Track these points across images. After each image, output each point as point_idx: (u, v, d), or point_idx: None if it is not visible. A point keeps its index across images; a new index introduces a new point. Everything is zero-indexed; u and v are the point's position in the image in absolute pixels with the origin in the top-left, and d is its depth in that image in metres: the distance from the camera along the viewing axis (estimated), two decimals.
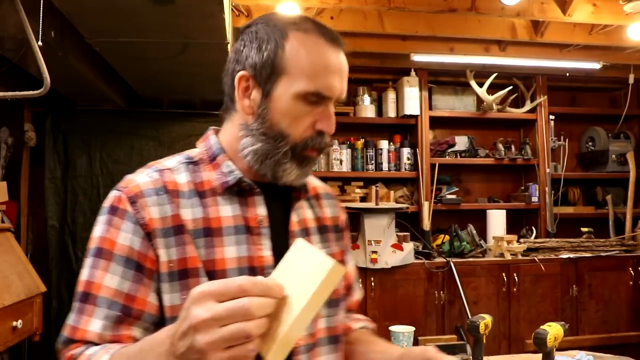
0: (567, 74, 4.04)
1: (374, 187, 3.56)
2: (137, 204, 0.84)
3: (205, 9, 1.97)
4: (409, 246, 3.41)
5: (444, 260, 3.48)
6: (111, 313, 0.81)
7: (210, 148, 0.94)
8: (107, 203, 0.87)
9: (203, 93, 3.39)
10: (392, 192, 3.77)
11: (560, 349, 1.66)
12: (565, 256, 3.59)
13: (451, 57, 3.72)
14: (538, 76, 4.05)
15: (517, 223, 4.10)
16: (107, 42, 2.33)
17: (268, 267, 0.87)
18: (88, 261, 0.84)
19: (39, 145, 3.33)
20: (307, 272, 0.64)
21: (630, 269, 3.67)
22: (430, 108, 3.93)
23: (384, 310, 3.32)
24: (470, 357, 1.74)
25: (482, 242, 3.68)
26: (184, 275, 0.83)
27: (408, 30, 3.38)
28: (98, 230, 0.86)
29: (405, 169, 3.89)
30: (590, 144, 4.26)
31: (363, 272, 3.30)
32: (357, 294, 1.12)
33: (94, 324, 0.81)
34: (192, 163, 0.92)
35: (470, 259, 3.55)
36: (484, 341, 1.61)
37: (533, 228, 3.92)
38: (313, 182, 1.06)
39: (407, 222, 3.70)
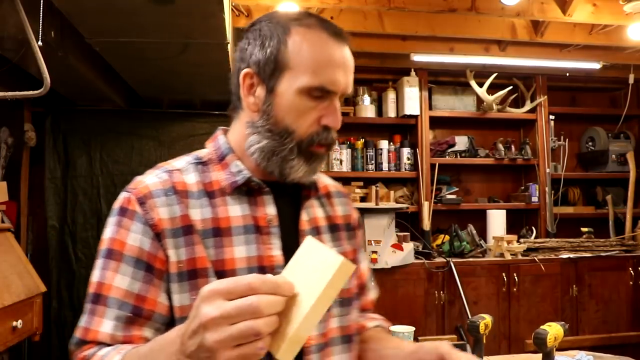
0: (567, 74, 4.04)
1: (374, 187, 3.56)
2: (146, 204, 0.84)
3: (206, 9, 1.97)
4: (409, 246, 3.41)
5: (444, 260, 3.48)
6: (122, 314, 0.81)
7: (219, 148, 0.94)
8: (116, 204, 0.87)
9: (203, 93, 3.39)
10: (392, 192, 3.77)
11: (560, 349, 1.66)
12: (565, 256, 3.59)
13: (451, 57, 3.72)
14: (538, 76, 4.05)
15: (517, 223, 4.10)
16: (107, 42, 2.33)
17: (278, 266, 0.86)
18: (98, 262, 0.85)
19: (39, 145, 3.33)
20: (316, 269, 0.64)
21: (630, 269, 3.67)
22: (430, 108, 3.93)
23: (383, 311, 3.27)
24: None
25: (482, 242, 3.68)
26: (193, 275, 0.83)
27: (408, 30, 3.38)
28: (108, 231, 0.86)
29: (405, 169, 3.89)
30: (590, 144, 4.26)
31: None
32: (372, 293, 1.11)
33: (106, 324, 0.81)
34: (201, 163, 0.92)
35: (470, 259, 3.55)
36: (484, 341, 1.61)
37: (533, 228, 3.93)
38: (324, 180, 1.06)
39: (407, 222, 3.70)
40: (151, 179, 0.88)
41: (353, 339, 0.97)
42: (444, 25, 3.36)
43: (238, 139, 0.92)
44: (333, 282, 0.63)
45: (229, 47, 2.41)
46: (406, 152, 3.88)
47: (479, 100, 3.98)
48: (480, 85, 3.86)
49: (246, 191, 0.90)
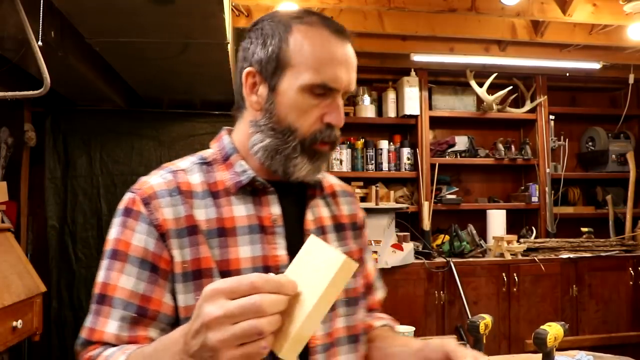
0: (567, 74, 4.04)
1: (374, 187, 3.56)
2: (151, 205, 0.85)
3: (206, 9, 1.97)
4: (409, 246, 3.41)
5: (444, 260, 3.48)
6: (127, 314, 0.81)
7: (223, 148, 0.94)
8: (121, 205, 0.87)
9: (203, 93, 3.39)
10: (392, 192, 3.77)
11: (560, 349, 1.66)
12: (565, 256, 3.59)
13: (451, 57, 3.72)
14: (538, 76, 4.05)
15: (517, 223, 4.10)
16: (107, 42, 2.33)
17: (283, 266, 0.86)
18: (104, 263, 0.85)
19: (39, 145, 3.33)
20: (319, 268, 0.64)
21: (630, 269, 3.67)
22: (430, 108, 3.93)
23: (383, 310, 3.31)
24: None
25: (482, 242, 3.68)
26: (197, 275, 0.83)
27: (408, 30, 3.38)
28: (113, 232, 0.86)
29: (405, 169, 3.89)
30: (590, 144, 4.26)
31: None
32: (380, 293, 1.11)
33: (111, 325, 0.81)
34: (206, 164, 0.92)
35: (470, 259, 3.55)
36: (484, 341, 1.61)
37: (533, 228, 3.93)
38: (330, 179, 1.05)
39: (407, 222, 3.70)
40: (156, 179, 0.88)
41: (360, 338, 0.96)
42: (444, 25, 3.36)
43: (242, 139, 0.92)
44: (335, 280, 0.63)
45: (229, 47, 2.41)
46: (406, 152, 3.88)
47: (479, 100, 3.98)
48: (480, 85, 3.86)
49: (251, 191, 0.89)
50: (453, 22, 3.35)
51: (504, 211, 3.86)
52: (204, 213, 0.86)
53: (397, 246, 3.37)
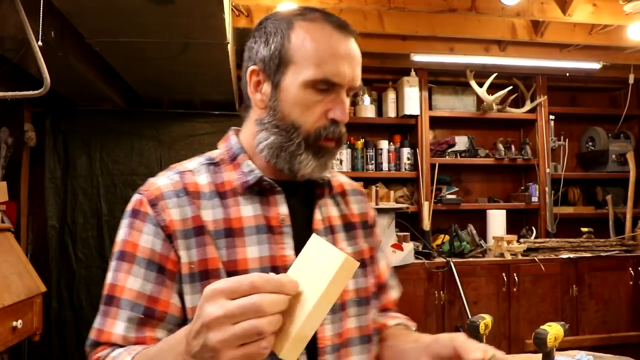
0: (567, 74, 4.04)
1: (374, 187, 3.56)
2: (158, 206, 0.85)
3: (206, 9, 1.97)
4: (409, 246, 3.41)
5: (444, 260, 3.48)
6: (134, 315, 0.81)
7: (230, 148, 0.93)
8: (129, 206, 0.88)
9: (203, 93, 3.39)
10: (392, 192, 3.77)
11: (560, 349, 1.66)
12: (565, 256, 3.59)
13: (451, 57, 3.72)
14: (538, 76, 4.05)
15: (517, 223, 4.10)
16: (107, 42, 2.33)
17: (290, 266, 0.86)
18: (112, 264, 0.85)
19: (39, 145, 3.33)
20: (320, 267, 0.64)
21: (630, 269, 3.67)
22: (430, 108, 3.93)
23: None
24: None
25: (482, 242, 3.68)
26: (204, 276, 0.83)
27: (408, 30, 3.38)
28: (121, 233, 0.86)
29: (405, 169, 3.89)
30: (590, 144, 4.26)
31: None
32: (394, 292, 1.10)
33: (118, 326, 0.81)
34: (213, 164, 0.92)
35: (470, 259, 3.55)
36: (484, 341, 1.61)
37: (533, 228, 3.92)
38: (339, 178, 1.05)
39: (407, 222, 3.70)
40: (163, 180, 0.88)
41: (372, 339, 0.95)
42: (444, 25, 3.36)
43: (249, 139, 0.92)
44: (336, 279, 0.62)
45: (229, 47, 2.41)
46: (406, 152, 3.88)
47: (479, 100, 3.98)
48: (480, 85, 3.86)
49: (258, 191, 0.89)
50: (453, 22, 3.35)
51: (504, 211, 3.86)
52: (211, 214, 0.86)
53: (397, 246, 3.36)
